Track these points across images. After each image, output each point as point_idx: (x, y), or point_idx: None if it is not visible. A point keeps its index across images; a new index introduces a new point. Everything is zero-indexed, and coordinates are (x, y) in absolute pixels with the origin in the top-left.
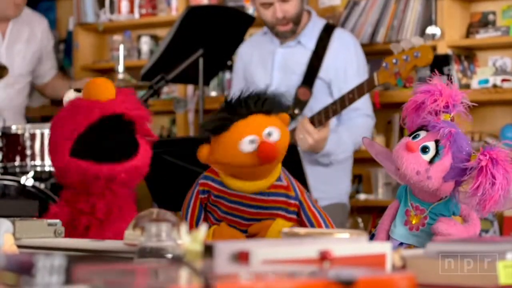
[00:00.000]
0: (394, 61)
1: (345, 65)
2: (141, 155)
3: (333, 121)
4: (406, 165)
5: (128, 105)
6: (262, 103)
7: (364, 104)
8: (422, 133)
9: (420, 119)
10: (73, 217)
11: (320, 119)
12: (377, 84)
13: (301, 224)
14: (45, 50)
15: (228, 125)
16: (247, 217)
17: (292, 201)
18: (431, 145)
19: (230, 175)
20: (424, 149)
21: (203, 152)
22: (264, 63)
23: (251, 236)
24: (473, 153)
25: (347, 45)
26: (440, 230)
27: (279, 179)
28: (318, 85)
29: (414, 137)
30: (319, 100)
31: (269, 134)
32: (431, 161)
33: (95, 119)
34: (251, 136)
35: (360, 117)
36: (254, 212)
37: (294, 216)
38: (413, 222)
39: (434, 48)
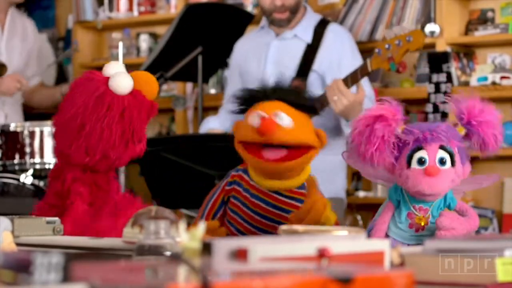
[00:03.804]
0: (386, 46)
1: (340, 58)
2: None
3: None
4: (436, 188)
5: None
6: (289, 93)
7: (366, 88)
8: (422, 153)
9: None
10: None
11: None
12: (370, 70)
13: None
14: (33, 53)
15: (254, 102)
16: (264, 215)
17: None
18: (443, 154)
19: (254, 169)
20: (442, 162)
21: (234, 126)
22: (258, 56)
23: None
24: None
25: (341, 38)
26: (444, 224)
27: (302, 186)
28: (311, 77)
29: (421, 162)
30: (313, 92)
31: (277, 116)
32: (453, 165)
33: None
34: (261, 112)
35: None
36: (271, 211)
37: None
38: (422, 223)
39: (433, 45)
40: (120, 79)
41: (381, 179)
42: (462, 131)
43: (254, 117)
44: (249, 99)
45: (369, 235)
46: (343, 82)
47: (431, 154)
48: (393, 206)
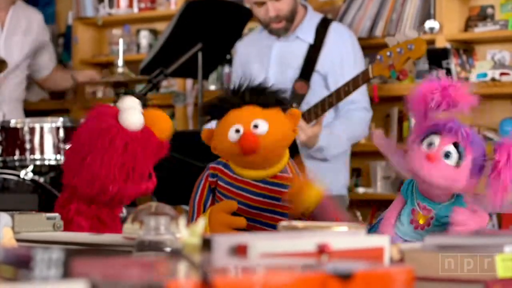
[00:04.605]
0: (388, 53)
1: (342, 58)
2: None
3: (330, 114)
4: (431, 175)
5: None
6: (257, 95)
7: (361, 96)
8: (435, 138)
9: (426, 119)
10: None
11: (317, 112)
12: (371, 77)
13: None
14: (43, 43)
15: (223, 113)
16: (250, 205)
17: None
18: (452, 149)
19: (231, 161)
20: (447, 155)
21: (205, 134)
22: (261, 58)
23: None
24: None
25: (343, 38)
26: (459, 219)
27: (284, 170)
28: (315, 78)
29: (430, 145)
30: (315, 93)
31: (255, 126)
32: (457, 164)
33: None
34: (237, 125)
35: (357, 111)
36: (257, 200)
37: None
38: (420, 221)
39: (432, 41)
40: (129, 114)
41: (403, 168)
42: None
43: (232, 131)
44: (215, 110)
45: (378, 227)
46: (345, 87)
47: (441, 143)
48: (403, 200)
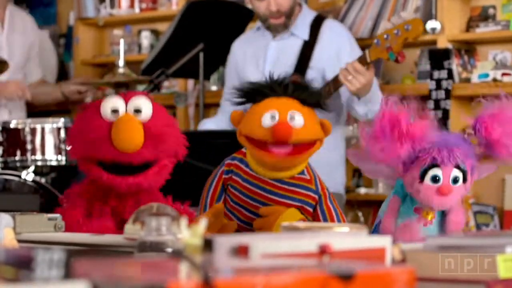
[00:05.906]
0: (385, 36)
1: (339, 51)
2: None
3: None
4: (445, 205)
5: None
6: (300, 90)
7: None
8: (437, 171)
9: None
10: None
11: None
12: (369, 61)
13: (314, 217)
14: (34, 49)
15: (259, 98)
16: (265, 202)
17: (312, 194)
18: (457, 173)
19: (255, 159)
20: (455, 181)
21: (235, 115)
22: (256, 58)
23: (260, 217)
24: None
25: (338, 32)
26: (455, 220)
27: (302, 172)
28: (310, 74)
29: (435, 179)
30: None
31: (292, 118)
32: (465, 181)
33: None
34: (274, 111)
35: None
36: (273, 199)
37: (311, 210)
38: (429, 217)
39: (434, 42)
40: None
41: (382, 176)
42: (475, 142)
43: (267, 117)
44: (253, 93)
45: (377, 232)
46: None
47: (446, 173)
48: (399, 200)
